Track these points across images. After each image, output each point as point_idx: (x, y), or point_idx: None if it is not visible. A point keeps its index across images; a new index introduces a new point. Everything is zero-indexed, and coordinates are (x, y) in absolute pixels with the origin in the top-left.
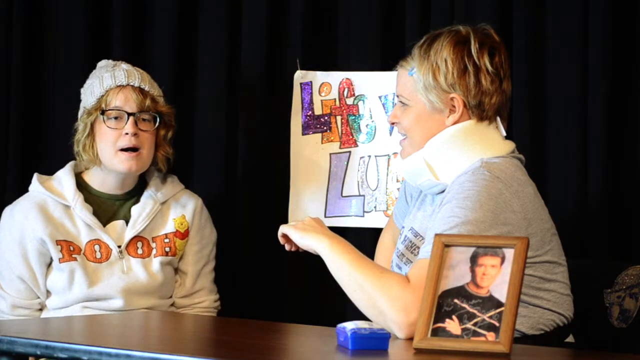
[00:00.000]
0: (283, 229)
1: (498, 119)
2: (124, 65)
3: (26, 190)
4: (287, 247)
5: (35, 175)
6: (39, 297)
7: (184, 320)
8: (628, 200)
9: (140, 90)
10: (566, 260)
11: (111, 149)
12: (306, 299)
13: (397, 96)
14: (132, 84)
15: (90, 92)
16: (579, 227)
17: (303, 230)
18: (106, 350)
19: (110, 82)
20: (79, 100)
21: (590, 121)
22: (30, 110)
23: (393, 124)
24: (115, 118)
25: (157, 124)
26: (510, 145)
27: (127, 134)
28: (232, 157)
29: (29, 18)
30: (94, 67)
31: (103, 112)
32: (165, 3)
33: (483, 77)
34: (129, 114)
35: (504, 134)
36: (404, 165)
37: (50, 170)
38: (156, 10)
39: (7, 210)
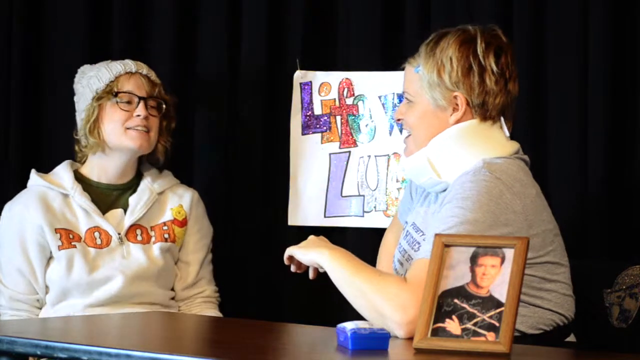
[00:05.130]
0: (289, 251)
1: (502, 119)
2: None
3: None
4: (292, 269)
5: (33, 171)
6: (37, 293)
7: (184, 320)
8: (628, 200)
9: (148, 79)
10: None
11: (120, 128)
12: (306, 299)
13: (403, 93)
14: (140, 72)
15: (97, 79)
16: (579, 227)
17: (305, 248)
18: (106, 350)
19: (120, 69)
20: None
21: (590, 121)
22: (31, 109)
23: (398, 120)
24: (126, 102)
25: (162, 111)
26: (514, 146)
27: (138, 115)
28: (232, 157)
29: (28, 17)
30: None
31: (116, 95)
32: (165, 3)
33: (487, 77)
34: (140, 98)
35: (508, 134)
36: (407, 164)
37: (50, 169)
38: (156, 9)
39: (7, 205)
